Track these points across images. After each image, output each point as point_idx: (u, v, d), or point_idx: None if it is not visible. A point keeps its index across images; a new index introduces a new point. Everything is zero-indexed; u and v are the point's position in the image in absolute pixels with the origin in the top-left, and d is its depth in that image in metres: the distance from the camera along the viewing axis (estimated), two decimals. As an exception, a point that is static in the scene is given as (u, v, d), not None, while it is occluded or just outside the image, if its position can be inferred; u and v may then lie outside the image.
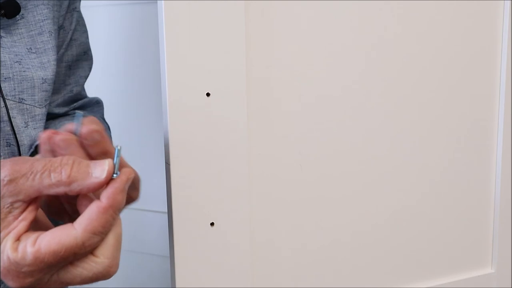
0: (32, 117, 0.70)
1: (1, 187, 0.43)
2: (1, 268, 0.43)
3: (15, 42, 0.69)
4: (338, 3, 0.65)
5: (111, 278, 0.50)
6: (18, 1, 0.68)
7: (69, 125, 0.47)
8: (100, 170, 0.44)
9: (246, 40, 0.60)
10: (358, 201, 0.70)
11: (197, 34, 0.58)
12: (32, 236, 0.43)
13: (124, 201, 0.46)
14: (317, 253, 0.69)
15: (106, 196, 0.44)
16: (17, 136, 0.67)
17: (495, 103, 0.76)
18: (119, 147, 0.46)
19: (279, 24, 0.63)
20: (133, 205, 0.82)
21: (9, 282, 0.43)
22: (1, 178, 0.43)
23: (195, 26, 0.58)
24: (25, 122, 0.69)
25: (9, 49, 0.68)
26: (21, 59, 0.69)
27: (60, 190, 0.44)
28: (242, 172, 0.62)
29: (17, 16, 0.69)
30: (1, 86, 0.65)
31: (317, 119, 0.66)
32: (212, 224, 0.62)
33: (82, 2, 0.84)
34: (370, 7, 0.67)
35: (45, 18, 0.73)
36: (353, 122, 0.68)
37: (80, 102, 0.84)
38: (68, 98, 0.83)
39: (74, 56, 0.82)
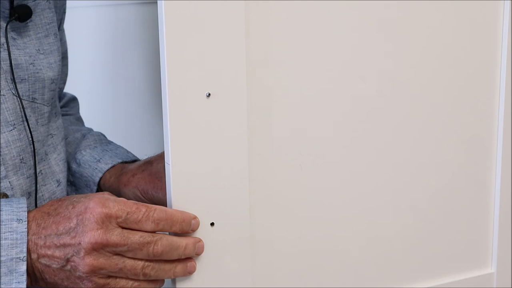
0: (41, 115, 0.74)
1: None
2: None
3: (26, 44, 0.73)
4: (339, 3, 0.65)
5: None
6: (29, 5, 0.72)
7: None
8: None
9: (246, 40, 0.60)
10: (358, 202, 0.70)
11: (197, 34, 0.58)
12: None
13: None
14: (317, 253, 0.69)
15: None
16: (32, 134, 0.72)
17: (495, 104, 0.76)
18: None
19: (279, 24, 0.63)
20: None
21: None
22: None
23: (195, 26, 0.58)
24: (36, 120, 0.73)
25: (23, 50, 0.72)
26: (34, 60, 0.73)
27: None
28: (242, 172, 0.62)
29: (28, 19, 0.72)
30: (18, 87, 0.70)
31: (318, 119, 0.66)
32: (212, 224, 0.62)
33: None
34: (372, 7, 0.67)
35: (50, 21, 0.76)
36: (354, 122, 0.68)
37: (64, 100, 0.93)
38: (58, 96, 0.89)
39: (62, 56, 0.85)
